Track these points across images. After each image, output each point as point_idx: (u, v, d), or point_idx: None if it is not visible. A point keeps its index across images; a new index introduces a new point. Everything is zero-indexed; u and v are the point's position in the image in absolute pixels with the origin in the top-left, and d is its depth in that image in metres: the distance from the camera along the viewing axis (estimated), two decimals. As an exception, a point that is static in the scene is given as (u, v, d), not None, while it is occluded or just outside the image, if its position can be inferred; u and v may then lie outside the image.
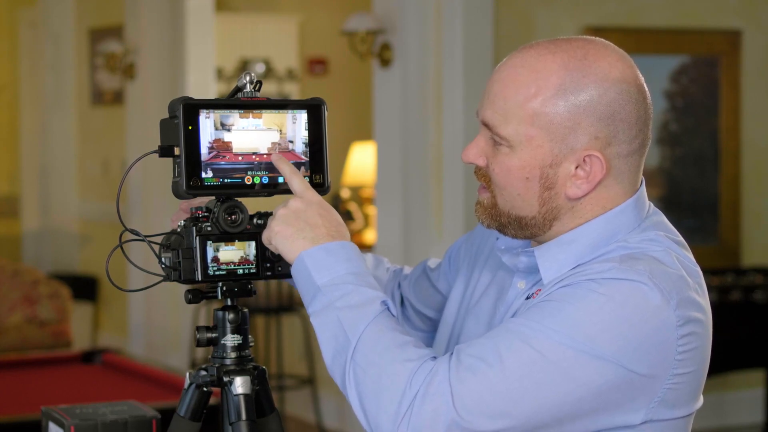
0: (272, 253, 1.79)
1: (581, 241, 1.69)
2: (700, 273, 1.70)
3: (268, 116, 1.77)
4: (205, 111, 1.73)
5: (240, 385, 1.78)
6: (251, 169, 1.76)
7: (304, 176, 1.78)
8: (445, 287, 1.99)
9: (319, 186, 1.79)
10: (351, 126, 8.03)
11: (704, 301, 1.67)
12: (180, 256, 1.76)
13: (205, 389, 1.83)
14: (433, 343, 1.97)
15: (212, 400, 1.84)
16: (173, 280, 1.79)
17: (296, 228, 1.70)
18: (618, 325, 1.57)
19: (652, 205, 1.77)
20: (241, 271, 1.78)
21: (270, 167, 1.77)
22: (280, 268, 1.80)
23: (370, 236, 7.20)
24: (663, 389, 1.61)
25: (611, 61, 1.67)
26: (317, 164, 1.79)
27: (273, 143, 1.77)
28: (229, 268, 1.78)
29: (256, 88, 1.78)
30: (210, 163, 1.73)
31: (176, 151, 1.72)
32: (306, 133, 1.79)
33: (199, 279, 1.76)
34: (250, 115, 1.76)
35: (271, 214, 1.75)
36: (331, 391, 6.06)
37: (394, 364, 1.58)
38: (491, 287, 1.84)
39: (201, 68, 6.90)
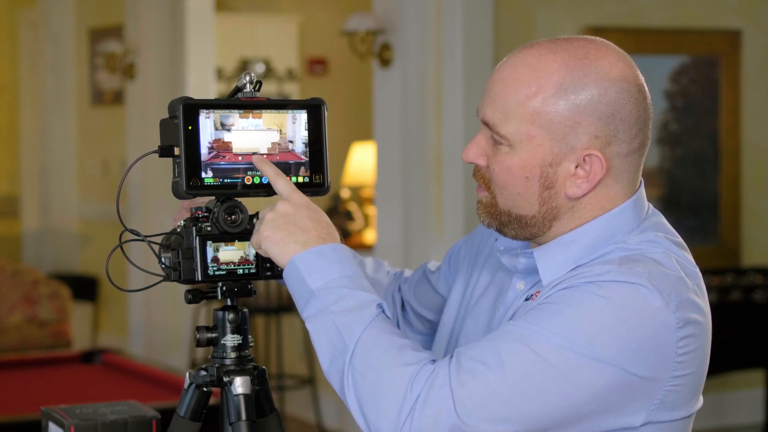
0: (271, 258, 1.79)
1: (580, 242, 1.69)
2: (699, 274, 1.70)
3: (268, 116, 1.77)
4: (205, 111, 1.73)
5: (240, 385, 1.78)
6: (251, 169, 1.76)
7: (304, 176, 1.78)
8: (445, 289, 1.98)
9: (319, 186, 1.78)
10: (351, 126, 8.03)
11: (704, 302, 1.67)
12: (180, 256, 1.76)
13: (205, 389, 1.83)
14: (433, 346, 1.97)
15: (212, 400, 1.84)
16: (173, 280, 1.79)
17: (286, 232, 1.69)
18: (618, 327, 1.57)
19: (651, 206, 1.77)
20: (241, 271, 1.78)
21: (270, 167, 1.76)
22: (279, 269, 1.80)
23: (370, 236, 7.20)
24: (663, 391, 1.61)
25: (612, 60, 1.67)
26: (317, 164, 1.79)
27: (273, 143, 1.77)
28: (229, 268, 1.78)
29: (256, 88, 1.78)
30: (210, 163, 1.73)
31: (176, 151, 1.72)
32: (306, 133, 1.79)
33: (199, 279, 1.76)
34: (250, 115, 1.76)
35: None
36: (331, 391, 6.06)
37: (393, 368, 1.57)
38: (490, 288, 1.84)
39: (201, 68, 6.90)
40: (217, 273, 1.77)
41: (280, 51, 8.69)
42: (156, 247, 1.79)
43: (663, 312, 1.59)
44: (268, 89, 8.28)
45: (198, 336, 1.80)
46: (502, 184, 1.70)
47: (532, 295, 1.71)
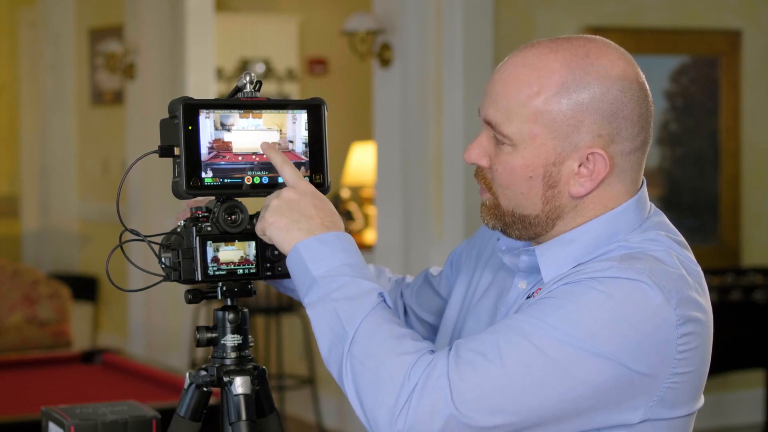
0: (272, 253, 1.79)
1: (582, 240, 1.69)
2: (701, 273, 1.70)
3: (268, 116, 1.77)
4: (205, 111, 1.73)
5: (240, 385, 1.78)
6: (251, 169, 1.76)
7: (304, 176, 1.77)
8: (447, 291, 1.98)
9: (319, 186, 1.78)
10: (351, 126, 8.03)
11: (705, 300, 1.67)
12: (180, 256, 1.76)
13: (205, 389, 1.83)
14: (434, 345, 1.97)
15: (212, 400, 1.84)
16: (173, 280, 1.79)
17: (290, 219, 1.69)
18: (618, 323, 1.57)
19: (653, 205, 1.77)
20: (241, 271, 1.78)
21: (270, 167, 1.76)
22: (280, 268, 1.80)
23: (370, 236, 7.20)
24: (662, 388, 1.61)
25: (612, 59, 1.68)
26: (317, 164, 1.79)
27: (273, 143, 1.77)
28: (229, 268, 1.78)
29: (256, 88, 1.78)
30: (210, 163, 1.73)
31: (176, 151, 1.72)
32: (306, 133, 1.79)
33: (199, 279, 1.76)
34: (250, 115, 1.76)
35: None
36: (331, 391, 6.06)
37: (391, 357, 1.57)
38: (492, 288, 1.84)
39: (201, 68, 6.90)
40: (217, 273, 1.77)
41: (280, 51, 8.69)
42: (156, 247, 1.79)
43: (664, 309, 1.59)
44: (268, 89, 8.28)
45: (198, 336, 1.80)
46: (505, 184, 1.70)
47: (533, 293, 1.72)
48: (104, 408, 2.11)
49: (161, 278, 1.80)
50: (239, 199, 1.79)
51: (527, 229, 1.72)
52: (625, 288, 1.59)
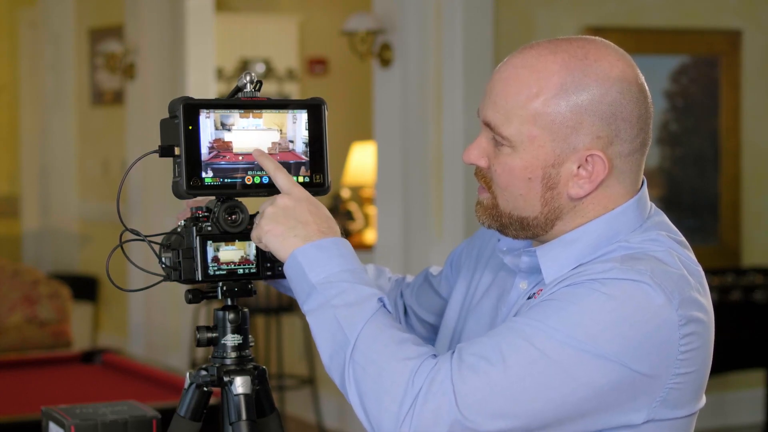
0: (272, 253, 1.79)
1: (583, 241, 1.69)
2: (702, 273, 1.70)
3: (269, 116, 1.77)
4: (205, 111, 1.73)
5: (240, 385, 1.78)
6: (251, 169, 1.75)
7: (305, 176, 1.78)
8: (447, 291, 1.98)
9: (320, 186, 1.78)
10: (351, 126, 8.03)
11: (706, 300, 1.67)
12: (180, 256, 1.76)
13: (205, 389, 1.83)
14: (435, 345, 1.96)
15: (212, 400, 1.84)
16: (173, 280, 1.78)
17: (287, 226, 1.69)
18: (620, 324, 1.57)
19: (653, 205, 1.77)
20: (241, 271, 1.78)
21: (270, 167, 1.76)
22: (280, 268, 1.80)
23: (370, 236, 7.20)
24: (665, 389, 1.61)
25: (612, 60, 1.68)
26: (317, 164, 1.79)
27: (273, 143, 1.77)
28: (230, 268, 1.78)
29: (257, 88, 1.78)
30: (210, 163, 1.73)
31: (176, 151, 1.72)
32: (306, 133, 1.79)
33: (200, 279, 1.76)
34: (251, 115, 1.76)
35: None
36: (331, 391, 6.06)
37: (394, 363, 1.57)
38: (493, 288, 1.84)
39: (201, 68, 6.90)
40: (217, 273, 1.77)
41: (280, 51, 8.69)
42: (156, 247, 1.79)
43: (665, 309, 1.59)
44: (268, 89, 8.28)
45: (198, 336, 1.80)
46: (503, 185, 1.70)
47: (534, 293, 1.71)
48: (104, 408, 2.11)
49: (161, 278, 1.80)
50: (239, 199, 1.79)
51: (525, 230, 1.72)
52: (627, 289, 1.58)
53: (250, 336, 1.83)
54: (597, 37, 1.72)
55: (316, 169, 1.79)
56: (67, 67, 8.28)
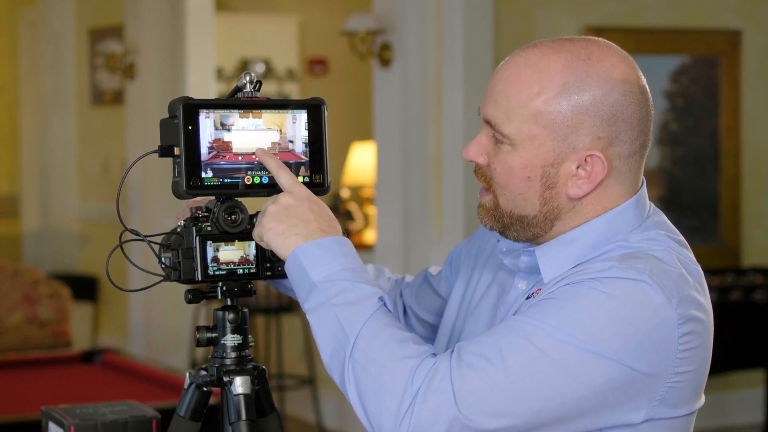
0: (272, 253, 1.79)
1: (582, 240, 1.69)
2: (701, 272, 1.70)
3: (268, 116, 1.77)
4: (205, 111, 1.73)
5: (240, 385, 1.78)
6: (251, 169, 1.75)
7: (304, 176, 1.78)
8: (446, 291, 1.98)
9: (319, 186, 1.78)
10: (351, 126, 8.03)
11: (705, 300, 1.67)
12: (180, 256, 1.76)
13: (205, 389, 1.83)
14: (434, 345, 1.97)
15: (212, 400, 1.84)
16: (173, 280, 1.78)
17: (288, 224, 1.69)
18: (619, 323, 1.57)
19: (653, 205, 1.77)
20: (241, 271, 1.78)
21: (270, 167, 1.76)
22: (280, 268, 1.80)
23: (370, 236, 7.20)
24: (664, 388, 1.61)
25: (614, 61, 1.68)
26: (317, 164, 1.79)
27: (273, 143, 1.77)
28: (229, 268, 1.78)
29: (256, 88, 1.78)
30: (210, 163, 1.73)
31: (176, 151, 1.72)
32: (306, 133, 1.79)
33: (199, 279, 1.76)
34: (250, 115, 1.76)
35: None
36: (331, 391, 6.06)
37: (394, 361, 1.57)
38: (492, 288, 1.84)
39: (201, 68, 6.90)
40: (217, 273, 1.77)
41: (280, 51, 8.69)
42: (156, 247, 1.79)
43: (665, 308, 1.59)
44: (268, 89, 8.28)
45: (198, 336, 1.80)
46: (503, 183, 1.70)
47: (533, 293, 1.72)
48: (104, 408, 2.11)
49: (161, 278, 1.80)
50: (239, 199, 1.79)
51: (525, 230, 1.72)
52: (627, 288, 1.59)
53: (249, 336, 1.83)
54: (600, 38, 1.72)
55: (316, 169, 1.79)
56: (67, 67, 8.28)
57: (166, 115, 1.75)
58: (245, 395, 1.77)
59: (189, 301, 1.81)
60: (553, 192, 1.68)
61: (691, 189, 5.92)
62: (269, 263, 1.79)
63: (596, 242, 1.69)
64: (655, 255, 1.64)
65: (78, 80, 8.26)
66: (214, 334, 1.81)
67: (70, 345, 6.27)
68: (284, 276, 1.80)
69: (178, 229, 1.78)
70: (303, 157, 1.78)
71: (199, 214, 1.78)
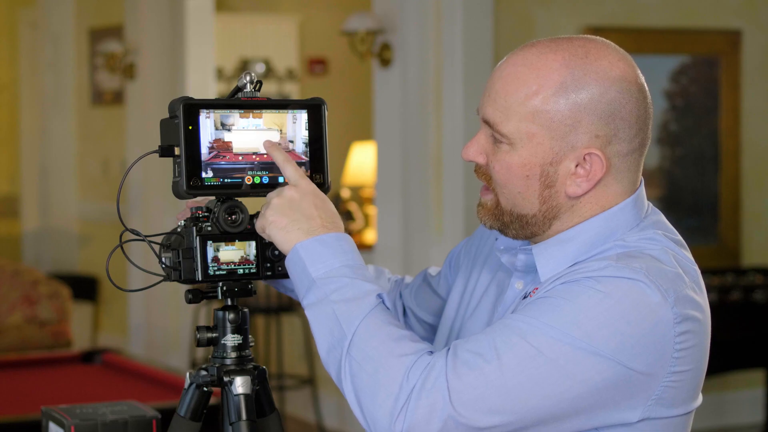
0: (272, 253, 1.79)
1: (579, 239, 1.69)
2: (698, 272, 1.70)
3: (269, 116, 1.77)
4: (205, 111, 1.73)
5: (240, 385, 1.78)
6: (251, 169, 1.76)
7: (304, 176, 1.78)
8: (446, 291, 1.98)
9: (320, 186, 1.78)
10: (351, 126, 8.03)
11: (702, 299, 1.67)
12: (180, 256, 1.76)
13: (205, 389, 1.83)
14: (433, 345, 1.96)
15: (212, 400, 1.84)
16: (173, 280, 1.79)
17: (291, 219, 1.70)
18: (616, 322, 1.57)
19: (651, 205, 1.77)
20: (241, 271, 1.78)
21: (270, 167, 1.77)
22: (280, 268, 1.80)
23: (370, 236, 7.20)
24: (660, 387, 1.61)
25: (612, 60, 1.68)
26: (317, 164, 1.79)
27: (276, 142, 1.77)
28: (230, 268, 1.78)
29: (256, 88, 1.78)
30: (210, 163, 1.73)
31: (176, 151, 1.73)
32: (306, 133, 1.79)
33: (200, 279, 1.76)
34: (251, 115, 1.76)
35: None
36: (331, 391, 6.06)
37: (390, 359, 1.58)
38: (491, 288, 1.84)
39: (201, 68, 6.90)
40: (217, 273, 1.77)
41: (280, 51, 8.69)
42: (156, 247, 1.79)
43: (661, 307, 1.59)
44: (268, 89, 8.28)
45: (198, 336, 1.81)
46: (502, 182, 1.70)
47: (529, 292, 1.72)
48: (104, 408, 2.11)
49: (161, 278, 1.80)
50: (239, 199, 1.79)
51: (524, 229, 1.72)
52: (623, 287, 1.59)
53: (250, 336, 1.83)
54: (598, 37, 1.72)
55: (316, 169, 1.79)
56: (67, 67, 8.28)
57: (166, 115, 1.75)
58: (245, 395, 1.77)
59: (189, 301, 1.81)
60: (552, 191, 1.69)
61: (691, 189, 5.92)
62: (269, 263, 1.80)
63: (593, 241, 1.69)
64: (651, 254, 1.65)
65: (78, 80, 8.26)
66: (214, 334, 1.81)
67: (70, 345, 6.26)
68: (285, 276, 1.80)
69: (179, 229, 1.79)
70: (303, 157, 1.79)
71: (199, 214, 1.78)
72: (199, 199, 1.81)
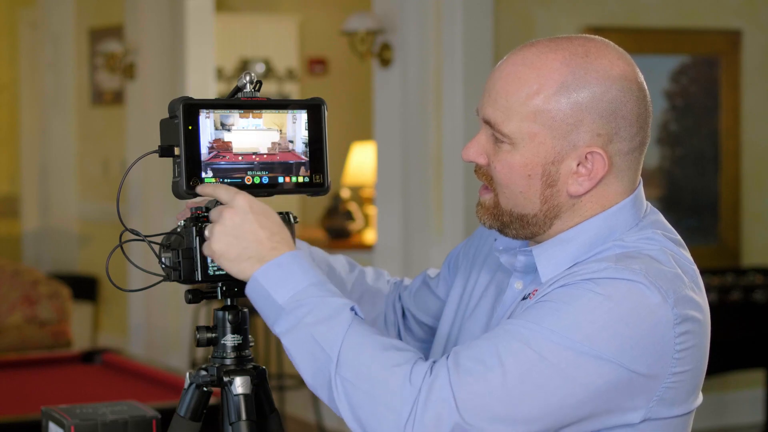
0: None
1: (579, 240, 1.69)
2: (697, 271, 1.70)
3: (268, 116, 1.77)
4: (205, 111, 1.73)
5: (240, 385, 1.77)
6: (251, 169, 1.75)
7: (304, 176, 1.77)
8: (445, 292, 1.98)
9: (320, 186, 1.78)
10: (351, 126, 8.03)
11: (701, 299, 1.67)
12: (180, 256, 1.76)
13: (205, 389, 1.83)
14: (432, 345, 1.96)
15: (212, 400, 1.84)
16: (173, 280, 1.78)
17: (239, 248, 1.65)
18: (616, 324, 1.57)
19: (650, 204, 1.77)
20: (241, 271, 1.78)
21: (270, 167, 1.76)
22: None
23: (370, 236, 7.20)
24: (662, 388, 1.61)
25: (612, 58, 1.68)
26: (317, 164, 1.79)
27: (273, 143, 1.77)
28: (229, 268, 1.77)
29: (256, 88, 1.78)
30: (210, 163, 1.73)
31: (176, 151, 1.72)
32: (306, 133, 1.79)
33: (199, 279, 1.76)
34: (250, 115, 1.76)
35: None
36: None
37: (383, 372, 1.56)
38: (490, 288, 1.83)
39: (201, 68, 6.90)
40: (217, 273, 1.76)
41: (280, 51, 8.69)
42: (156, 247, 1.79)
43: (661, 308, 1.59)
44: (268, 89, 8.28)
45: (198, 336, 1.80)
46: (504, 182, 1.70)
47: (529, 294, 1.71)
48: (104, 408, 2.11)
49: (161, 278, 1.80)
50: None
51: (525, 229, 1.72)
52: (623, 288, 1.58)
53: (249, 336, 1.83)
54: (597, 36, 1.72)
55: (316, 169, 1.79)
56: (67, 67, 8.28)
57: (166, 115, 1.75)
58: (245, 395, 1.77)
59: (189, 301, 1.80)
60: (554, 190, 1.69)
61: (691, 189, 5.92)
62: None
63: (593, 241, 1.69)
64: (650, 254, 1.64)
65: (78, 80, 8.26)
66: (214, 334, 1.81)
67: (70, 345, 6.26)
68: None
69: (178, 229, 1.78)
70: (303, 157, 1.78)
71: (199, 214, 1.78)
72: (198, 199, 1.81)
